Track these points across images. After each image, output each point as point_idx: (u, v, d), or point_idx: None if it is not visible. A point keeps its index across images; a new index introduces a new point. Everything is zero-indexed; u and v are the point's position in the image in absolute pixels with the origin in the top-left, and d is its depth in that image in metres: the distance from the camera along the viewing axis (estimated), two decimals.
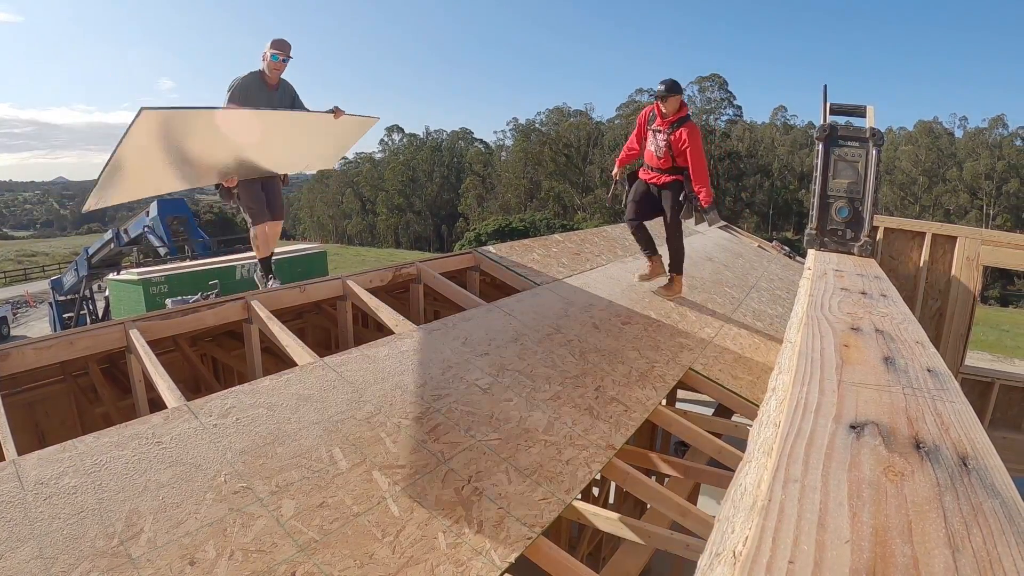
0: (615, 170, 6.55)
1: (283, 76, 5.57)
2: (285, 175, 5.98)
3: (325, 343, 7.03)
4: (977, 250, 6.57)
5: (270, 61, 5.40)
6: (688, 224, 11.44)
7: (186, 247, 20.94)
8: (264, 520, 2.36)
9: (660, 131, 6.00)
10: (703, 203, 5.98)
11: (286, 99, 5.63)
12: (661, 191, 6.14)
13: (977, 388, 7.03)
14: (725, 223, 9.31)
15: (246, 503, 2.42)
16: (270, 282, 5.70)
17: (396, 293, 6.21)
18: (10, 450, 2.58)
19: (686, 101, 6.06)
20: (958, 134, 75.85)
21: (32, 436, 4.33)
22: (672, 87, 5.90)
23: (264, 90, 5.43)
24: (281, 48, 5.41)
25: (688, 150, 5.89)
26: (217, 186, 5.52)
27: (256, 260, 6.06)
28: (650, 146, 6.11)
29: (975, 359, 13.20)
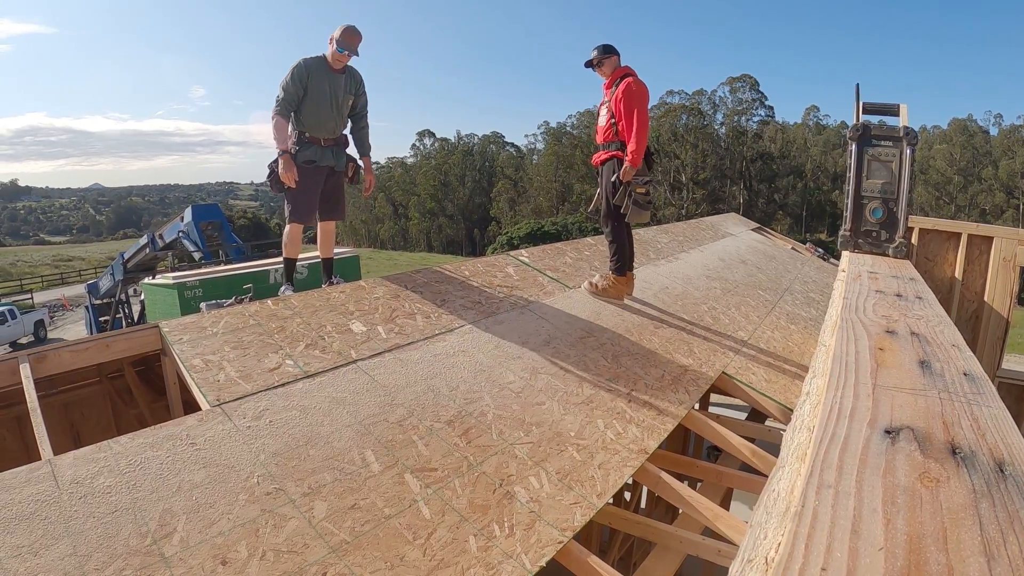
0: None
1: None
2: (353, 173, 5.67)
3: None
4: (1014, 251, 6.46)
5: (335, 51, 5.17)
6: (721, 226, 11.36)
7: (220, 252, 21.15)
8: (296, 521, 2.37)
9: (605, 101, 5.68)
10: (629, 162, 5.38)
11: (351, 85, 5.40)
12: (601, 172, 5.79)
13: (1014, 392, 6.92)
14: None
15: (278, 504, 2.43)
16: (284, 290, 5.29)
17: None
18: (46, 450, 2.61)
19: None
20: (993, 132, 74.76)
21: (68, 437, 4.38)
22: (604, 49, 5.64)
23: (328, 73, 5.20)
24: (347, 45, 5.17)
25: (622, 105, 5.43)
26: (270, 175, 5.21)
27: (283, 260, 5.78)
28: (598, 123, 5.82)
29: (1013, 362, 12.98)
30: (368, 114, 5.70)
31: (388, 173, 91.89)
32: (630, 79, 5.45)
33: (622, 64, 5.69)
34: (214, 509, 2.33)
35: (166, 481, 2.41)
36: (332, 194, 5.55)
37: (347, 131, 5.60)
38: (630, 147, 5.38)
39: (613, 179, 5.54)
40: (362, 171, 5.71)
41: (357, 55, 5.22)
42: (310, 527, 2.36)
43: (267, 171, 5.23)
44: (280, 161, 5.03)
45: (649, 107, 5.58)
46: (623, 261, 5.73)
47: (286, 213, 5.40)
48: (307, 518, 2.40)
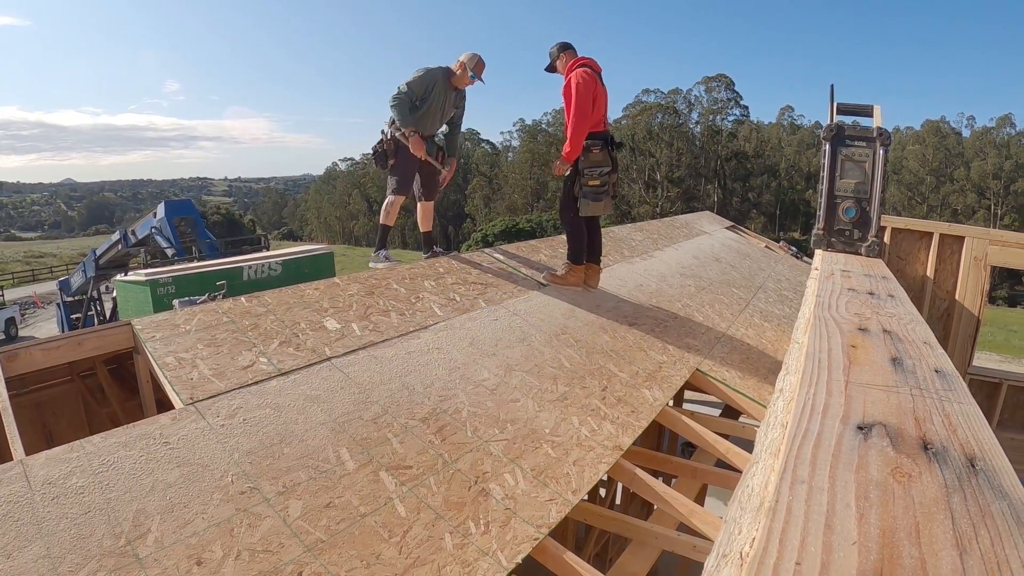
0: None
1: None
2: (440, 159, 6.38)
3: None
4: (985, 250, 6.55)
5: (467, 78, 5.99)
6: (696, 224, 11.43)
7: (193, 248, 20.98)
8: (271, 520, 2.37)
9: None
10: (562, 156, 5.54)
11: (458, 100, 6.24)
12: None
13: (985, 389, 7.01)
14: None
15: (253, 503, 2.43)
16: (382, 254, 6.04)
17: None
18: (18, 450, 2.58)
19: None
20: (965, 133, 75.67)
21: (40, 436, 4.33)
22: (557, 49, 5.71)
23: (447, 87, 5.98)
24: (479, 73, 6.02)
25: (564, 100, 5.50)
26: (375, 152, 6.09)
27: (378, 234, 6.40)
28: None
29: (983, 360, 13.16)
30: (462, 122, 6.57)
31: (363, 169, 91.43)
32: (575, 72, 5.44)
33: (579, 55, 5.68)
34: (188, 509, 2.32)
35: (140, 481, 2.39)
36: (427, 179, 6.35)
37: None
38: (568, 142, 5.43)
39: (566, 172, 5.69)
40: (446, 163, 6.42)
41: (483, 82, 6.11)
42: (285, 526, 2.36)
43: (371, 151, 6.15)
44: (411, 140, 5.77)
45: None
46: (577, 250, 5.81)
47: (389, 188, 6.12)
48: (282, 517, 2.40)
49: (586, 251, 5.87)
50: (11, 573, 1.91)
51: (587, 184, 5.53)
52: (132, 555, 2.07)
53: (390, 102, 5.75)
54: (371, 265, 5.60)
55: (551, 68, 5.80)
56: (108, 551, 2.06)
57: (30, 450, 2.54)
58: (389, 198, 6.14)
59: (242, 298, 4.06)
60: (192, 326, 3.60)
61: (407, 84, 5.75)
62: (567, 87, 5.42)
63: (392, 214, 6.27)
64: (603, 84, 5.63)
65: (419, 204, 6.57)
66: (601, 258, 6.02)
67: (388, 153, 5.98)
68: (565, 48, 5.70)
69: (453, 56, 6.07)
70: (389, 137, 5.95)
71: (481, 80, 6.02)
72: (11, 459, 2.45)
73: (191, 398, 2.97)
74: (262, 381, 3.24)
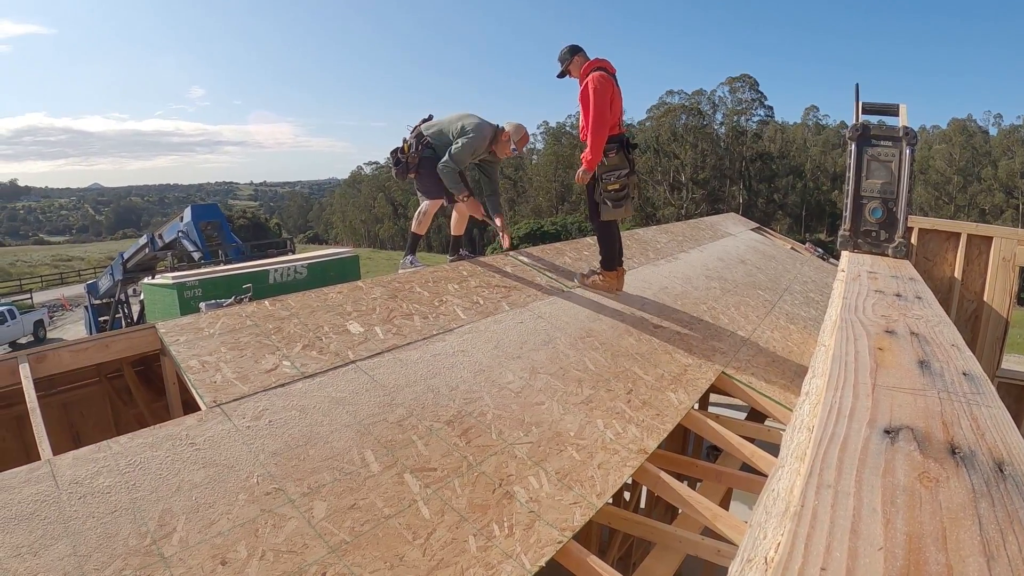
0: None
1: None
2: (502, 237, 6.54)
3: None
4: (1013, 250, 6.46)
5: (508, 149, 5.99)
6: (721, 226, 11.37)
7: (220, 251, 21.16)
8: (295, 521, 2.37)
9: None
10: (584, 165, 5.37)
11: (491, 172, 6.44)
12: None
13: (1013, 392, 6.92)
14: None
15: (278, 504, 2.43)
16: (409, 260, 6.05)
17: None
18: (46, 450, 2.61)
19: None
20: (992, 132, 74.89)
21: (67, 437, 4.38)
22: (566, 53, 5.55)
23: (488, 150, 6.00)
24: (522, 148, 6.09)
25: (581, 105, 5.34)
26: (396, 162, 6.02)
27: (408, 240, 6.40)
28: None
29: (1012, 362, 12.97)
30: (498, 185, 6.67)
31: (388, 172, 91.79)
32: (590, 76, 5.28)
33: (590, 57, 5.52)
34: (214, 509, 2.33)
35: (166, 481, 2.41)
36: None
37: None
38: (590, 145, 5.27)
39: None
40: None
41: (521, 154, 5.97)
42: (309, 527, 2.36)
43: (391, 158, 6.11)
44: (468, 203, 5.93)
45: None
46: (609, 256, 5.70)
47: (420, 197, 6.17)
48: (306, 518, 2.40)
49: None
50: (38, 570, 1.93)
51: (607, 189, 5.45)
52: (157, 554, 2.08)
53: (442, 169, 5.71)
54: (400, 272, 5.58)
55: (563, 74, 5.64)
56: (134, 550, 2.08)
57: (58, 450, 2.56)
58: (423, 205, 6.12)
59: (265, 302, 4.08)
60: (216, 329, 3.62)
61: (463, 148, 5.68)
62: (584, 92, 5.27)
63: (425, 223, 6.21)
64: (618, 85, 5.47)
65: (456, 208, 6.33)
66: (624, 260, 5.94)
67: (410, 166, 5.96)
68: (576, 51, 5.55)
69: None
70: (413, 150, 5.93)
71: (521, 153, 6.13)
72: (39, 459, 2.48)
73: (215, 401, 2.99)
74: (287, 384, 3.25)
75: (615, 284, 5.78)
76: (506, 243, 6.47)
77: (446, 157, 5.66)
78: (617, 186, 5.42)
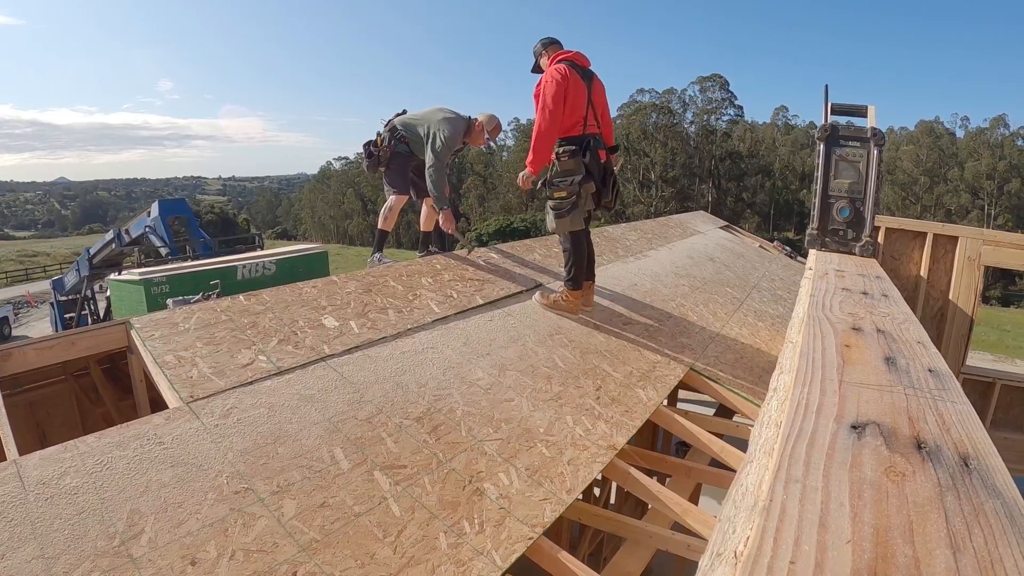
0: None
1: None
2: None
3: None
4: (979, 250, 6.55)
5: (481, 138, 6.03)
6: (690, 224, 11.43)
7: (187, 247, 20.92)
8: (265, 520, 2.36)
9: None
10: (527, 165, 4.89)
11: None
12: None
13: (978, 388, 7.01)
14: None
15: (247, 503, 2.42)
16: (377, 257, 6.07)
17: None
18: (11, 450, 2.58)
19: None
20: (959, 134, 76.18)
21: (34, 436, 4.32)
22: (536, 49, 5.17)
23: (459, 144, 5.96)
24: (495, 137, 6.14)
25: (534, 96, 4.86)
26: (369, 155, 6.02)
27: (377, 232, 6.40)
28: None
29: (976, 359, 13.17)
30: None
31: (357, 168, 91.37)
32: (549, 68, 4.84)
33: (564, 50, 5.05)
34: (182, 509, 2.32)
35: (134, 481, 2.39)
36: (420, 180, 6.11)
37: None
38: (532, 151, 4.84)
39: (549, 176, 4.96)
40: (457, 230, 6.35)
41: (494, 145, 5.99)
42: (279, 526, 2.36)
43: (364, 151, 6.11)
44: (442, 216, 5.89)
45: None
46: (575, 271, 5.08)
47: (387, 192, 6.15)
48: (276, 517, 2.39)
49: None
50: (5, 573, 1.90)
51: (552, 196, 4.89)
52: (126, 555, 2.07)
53: (432, 173, 5.70)
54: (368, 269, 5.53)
55: (537, 68, 5.17)
56: (102, 551, 2.06)
57: (24, 450, 2.54)
58: (389, 200, 6.11)
59: (240, 296, 4.06)
60: (191, 324, 3.59)
61: (443, 146, 5.67)
62: (536, 91, 4.83)
63: (391, 219, 6.21)
64: (591, 80, 4.96)
65: (425, 203, 6.37)
66: (595, 262, 5.48)
67: (382, 160, 5.95)
68: (549, 44, 5.10)
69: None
70: (386, 143, 5.93)
71: (494, 143, 6.08)
72: (4, 459, 2.45)
73: (191, 396, 2.97)
74: (257, 380, 3.23)
75: (577, 305, 5.15)
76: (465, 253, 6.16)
77: (433, 159, 5.67)
78: (564, 194, 4.83)
